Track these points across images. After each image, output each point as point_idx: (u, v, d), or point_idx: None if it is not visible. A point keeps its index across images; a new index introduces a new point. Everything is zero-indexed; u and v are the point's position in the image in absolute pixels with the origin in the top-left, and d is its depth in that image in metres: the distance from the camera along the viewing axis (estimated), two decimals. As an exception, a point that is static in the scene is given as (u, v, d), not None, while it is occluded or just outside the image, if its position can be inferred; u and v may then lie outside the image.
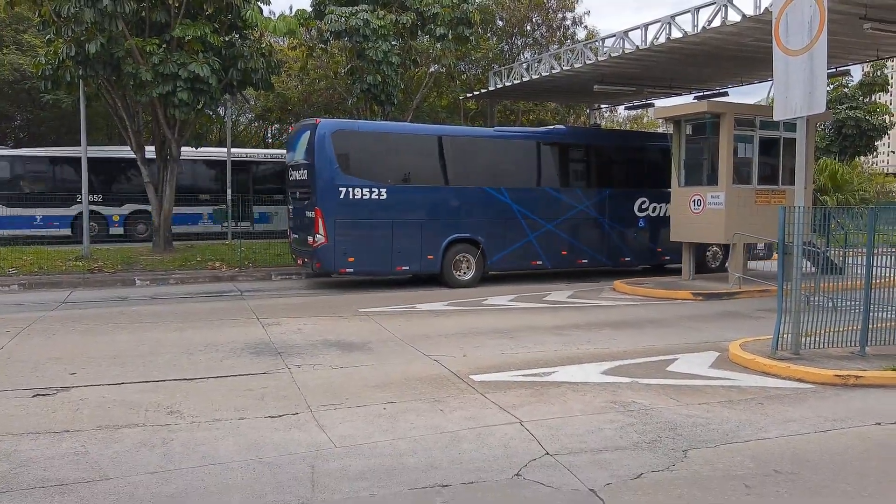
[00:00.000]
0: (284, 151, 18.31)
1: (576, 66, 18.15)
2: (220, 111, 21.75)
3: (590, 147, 17.93)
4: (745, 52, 15.50)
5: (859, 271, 9.03)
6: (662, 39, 15.51)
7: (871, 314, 8.82)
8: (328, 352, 9.12)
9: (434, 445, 5.68)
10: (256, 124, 33.10)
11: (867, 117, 35.78)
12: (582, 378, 7.83)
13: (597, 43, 18.59)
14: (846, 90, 36.99)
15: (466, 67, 28.22)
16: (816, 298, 9.71)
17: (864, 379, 7.69)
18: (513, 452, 5.53)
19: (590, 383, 7.62)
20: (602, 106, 28.84)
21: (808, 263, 12.91)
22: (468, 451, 5.57)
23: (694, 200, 15.64)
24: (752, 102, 15.78)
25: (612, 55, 16.98)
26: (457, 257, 15.57)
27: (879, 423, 6.34)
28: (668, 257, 17.90)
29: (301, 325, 10.95)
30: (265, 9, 20.04)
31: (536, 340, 9.90)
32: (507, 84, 21.42)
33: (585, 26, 28.85)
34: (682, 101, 21.07)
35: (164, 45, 16.46)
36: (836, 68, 18.33)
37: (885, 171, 68.15)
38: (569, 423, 6.26)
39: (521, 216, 16.11)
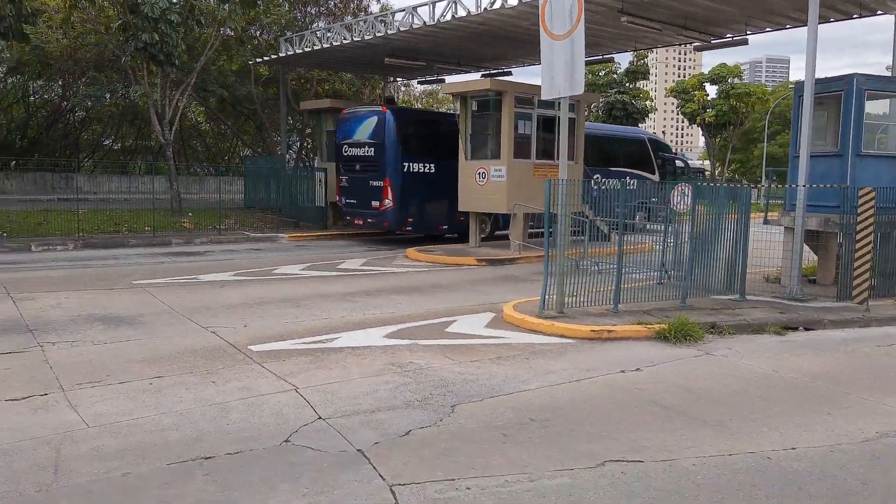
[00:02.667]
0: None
1: (366, 37, 18.09)
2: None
3: None
4: (525, 34, 16.41)
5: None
6: (449, 17, 15.93)
7: (623, 275, 9.86)
8: (90, 327, 8.33)
9: (202, 418, 5.43)
10: (13, 79, 29.06)
11: (632, 101, 39.81)
12: (364, 342, 7.91)
13: (388, 16, 18.65)
14: (615, 76, 40.79)
15: (257, 32, 26.99)
16: (585, 262, 10.70)
17: (615, 332, 8.60)
18: (285, 420, 5.45)
19: (371, 347, 7.73)
20: (397, 79, 29.16)
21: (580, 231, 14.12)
22: (238, 421, 5.39)
23: (479, 173, 16.40)
24: (535, 83, 16.69)
25: (402, 29, 17.14)
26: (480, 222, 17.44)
27: (623, 371, 7.13)
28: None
29: (61, 300, 9.90)
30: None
31: (323, 308, 9.83)
32: (299, 51, 20.81)
33: (379, 0, 28.88)
34: (470, 79, 21.92)
35: None
36: (601, 56, 20.10)
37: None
38: (346, 387, 6.30)
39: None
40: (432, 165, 18.03)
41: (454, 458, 4.83)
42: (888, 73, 13.38)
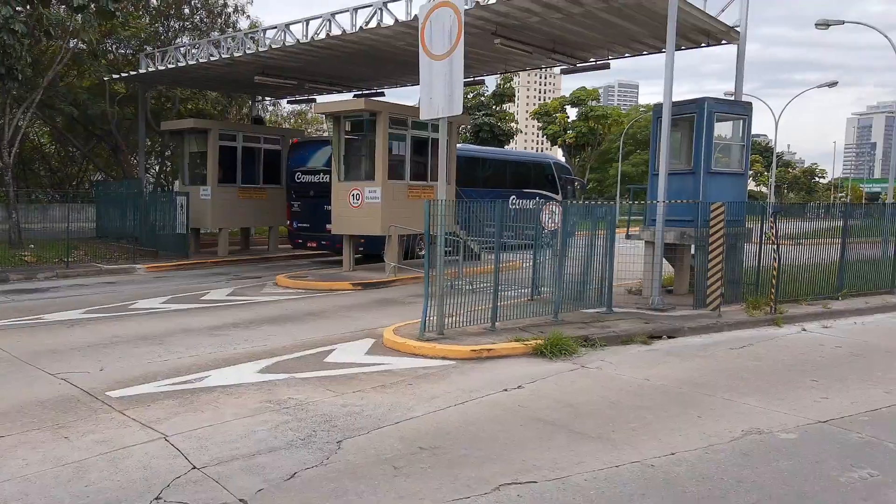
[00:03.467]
0: None
1: (236, 55, 17.41)
2: None
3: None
4: (400, 55, 16.44)
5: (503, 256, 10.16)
6: (323, 35, 15.66)
7: (500, 294, 10.00)
8: (-86, 382, 7.30)
9: (54, 483, 4.82)
10: None
11: (499, 123, 41.09)
12: (237, 380, 7.46)
13: (259, 33, 18.09)
14: (482, 99, 41.96)
15: (113, 46, 25.28)
16: (458, 282, 10.75)
17: (495, 351, 8.67)
18: (154, 473, 4.97)
19: (245, 384, 7.30)
20: (266, 98, 28.35)
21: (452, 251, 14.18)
22: (98, 481, 4.85)
23: (353, 195, 16.17)
24: (409, 104, 16.73)
25: (273, 47, 16.66)
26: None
27: (506, 390, 7.17)
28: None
29: None
30: None
31: (189, 344, 9.21)
32: (162, 68, 19.70)
33: (248, 16, 27.99)
34: (342, 98, 21.67)
35: None
36: (473, 78, 20.56)
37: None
38: (220, 430, 5.87)
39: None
40: None
41: (345, 498, 4.60)
42: (731, 98, 14.56)
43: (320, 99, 23.29)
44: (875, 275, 13.57)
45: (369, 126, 15.96)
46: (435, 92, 9.13)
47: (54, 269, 16.92)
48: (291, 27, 16.68)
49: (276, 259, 21.07)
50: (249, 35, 18.03)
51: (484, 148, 30.02)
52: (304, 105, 31.29)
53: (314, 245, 19.60)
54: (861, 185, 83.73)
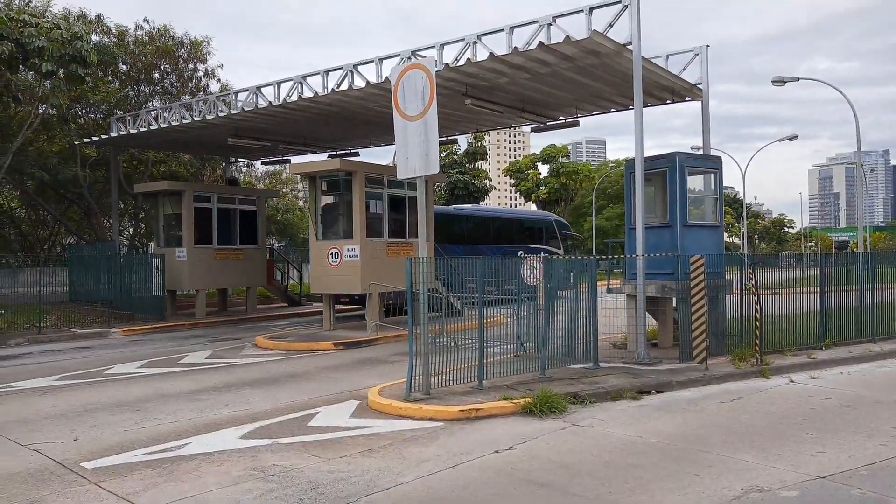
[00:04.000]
0: None
1: (208, 117, 17.48)
2: None
3: None
4: (372, 115, 16.64)
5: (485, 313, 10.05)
6: (295, 98, 15.81)
7: (485, 350, 9.86)
8: None
9: (25, 562, 4.54)
10: None
11: (472, 181, 41.57)
12: (219, 446, 7.18)
13: (231, 96, 18.22)
14: (456, 157, 42.55)
15: (83, 111, 25.27)
16: (442, 339, 10.59)
17: (484, 410, 8.48)
18: (132, 550, 4.69)
19: (227, 451, 7.02)
20: (239, 160, 28.40)
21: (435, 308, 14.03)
22: (72, 559, 4.57)
23: (332, 253, 16.08)
24: (384, 163, 16.87)
25: (246, 109, 16.76)
26: None
27: (497, 451, 6.98)
28: None
29: None
30: None
31: (167, 410, 8.89)
32: (133, 131, 19.68)
33: (219, 80, 28.18)
34: (317, 159, 21.78)
35: None
36: (446, 137, 20.83)
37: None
38: (202, 501, 5.60)
39: None
40: None
41: (335, 572, 4.36)
42: (699, 152, 14.91)
43: (295, 159, 23.38)
44: (855, 323, 13.69)
45: (345, 185, 16.00)
46: (411, 151, 9.18)
47: (26, 335, 16.46)
48: (263, 90, 16.86)
49: (255, 320, 20.73)
50: (221, 98, 18.16)
51: (493, 208, 33.25)
52: (278, 165, 31.36)
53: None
54: (829, 234, 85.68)
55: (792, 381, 10.48)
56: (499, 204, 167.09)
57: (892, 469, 6.25)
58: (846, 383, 10.34)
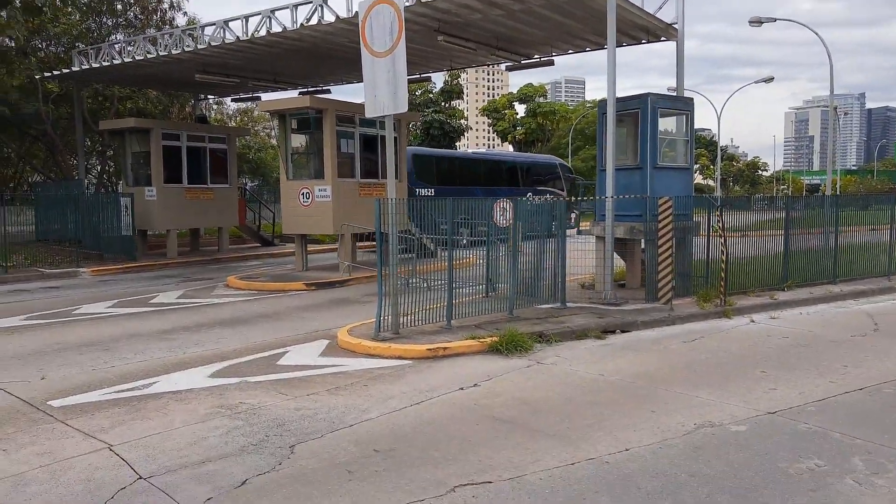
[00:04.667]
0: None
1: (174, 52, 16.93)
2: None
3: None
4: (343, 52, 16.24)
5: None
6: (263, 33, 15.35)
7: (454, 291, 9.96)
8: None
9: (-10, 497, 4.60)
10: None
11: (448, 120, 41.09)
12: (187, 385, 7.25)
13: (197, 30, 17.61)
14: (431, 96, 41.91)
15: (44, 44, 24.32)
16: (413, 280, 10.67)
17: (451, 349, 8.63)
18: (98, 485, 4.77)
19: (195, 389, 7.09)
20: (209, 97, 27.70)
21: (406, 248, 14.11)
22: (38, 494, 4.64)
23: (303, 193, 15.93)
24: (357, 101, 16.55)
25: (213, 44, 16.25)
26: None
27: (462, 388, 7.13)
28: None
29: None
30: None
31: (137, 349, 8.92)
32: (96, 66, 19.02)
33: (185, 12, 27.17)
34: (287, 96, 21.34)
35: None
36: (419, 74, 20.47)
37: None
38: (168, 438, 5.68)
39: None
40: (432, 190, 22.65)
41: (297, 505, 4.49)
42: (674, 94, 14.84)
43: (265, 96, 22.88)
44: (817, 265, 14.01)
45: (316, 124, 15.74)
46: (379, 89, 9.02)
47: (-9, 275, 16.24)
48: (231, 24, 16.31)
49: (227, 260, 20.65)
50: (188, 32, 17.56)
51: (505, 153, 36.26)
52: (249, 103, 30.69)
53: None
54: (801, 178, 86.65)
55: (752, 322, 10.77)
56: (476, 145, 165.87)
57: (839, 405, 6.52)
58: (804, 323, 10.65)
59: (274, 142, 39.88)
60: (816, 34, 27.34)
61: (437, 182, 23.88)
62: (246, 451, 5.41)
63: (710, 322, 10.69)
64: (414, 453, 5.37)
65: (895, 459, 5.16)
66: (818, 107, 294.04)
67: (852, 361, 8.17)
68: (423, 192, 22.44)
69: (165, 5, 26.16)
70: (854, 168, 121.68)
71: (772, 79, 43.85)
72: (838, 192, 36.32)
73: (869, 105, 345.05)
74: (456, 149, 49.24)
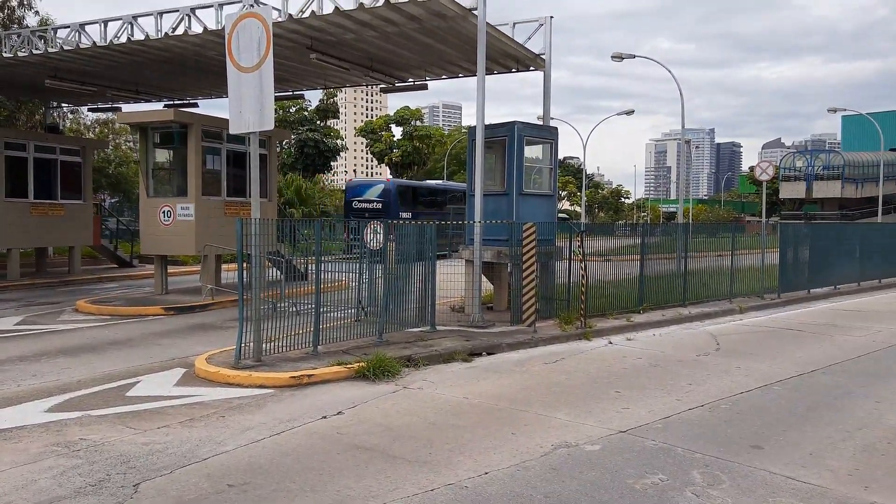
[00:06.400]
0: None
1: (20, 54, 15.64)
2: None
3: None
4: (211, 64, 15.65)
5: (324, 276, 9.91)
6: (124, 39, 14.52)
7: (322, 315, 9.76)
8: None
9: None
10: None
11: (324, 139, 40.64)
12: (19, 421, 6.60)
13: (49, 32, 16.39)
14: (306, 114, 41.32)
15: None
16: (282, 304, 10.35)
17: (316, 376, 8.42)
18: None
19: (28, 426, 6.47)
20: (63, 105, 25.83)
21: (276, 271, 13.75)
22: None
23: (164, 211, 15.13)
24: (225, 116, 15.98)
25: (66, 49, 15.17)
26: None
27: (325, 416, 6.96)
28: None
29: None
30: None
31: (-39, 383, 8.03)
32: (-75, 67, 17.21)
33: (37, 11, 25.26)
34: (151, 108, 20.28)
35: None
36: (292, 92, 20.13)
37: (343, 187, 78.76)
38: (-9, 483, 5.12)
39: None
40: (412, 215, 27.53)
41: (136, 551, 4.16)
42: (540, 122, 15.48)
43: (127, 108, 21.62)
44: (670, 289, 14.98)
45: (180, 138, 15.05)
46: (245, 105, 8.76)
47: None
48: (87, 28, 15.35)
49: (79, 282, 19.19)
50: (38, 33, 16.34)
51: (447, 182, 39.30)
52: (110, 114, 28.91)
53: None
54: (660, 205, 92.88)
55: (610, 343, 11.32)
56: (354, 166, 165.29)
57: (682, 421, 6.95)
58: (656, 344, 11.33)
59: (137, 155, 37.78)
60: (670, 72, 29.54)
61: (413, 207, 29.19)
62: (83, 492, 4.98)
63: (571, 344, 11.12)
64: (270, 486, 5.16)
65: (728, 471, 5.55)
66: (675, 139, 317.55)
67: (696, 380, 8.76)
68: (404, 216, 26.92)
69: (14, 2, 24.23)
70: (705, 198, 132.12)
71: (632, 111, 46.83)
72: (690, 221, 39.19)
73: (718, 140, 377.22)
74: (331, 168, 48.81)
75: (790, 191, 63.65)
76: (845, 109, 50.03)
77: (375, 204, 29.81)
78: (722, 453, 5.97)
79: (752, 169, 77.40)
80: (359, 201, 30.61)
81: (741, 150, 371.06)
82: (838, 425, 6.88)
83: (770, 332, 12.77)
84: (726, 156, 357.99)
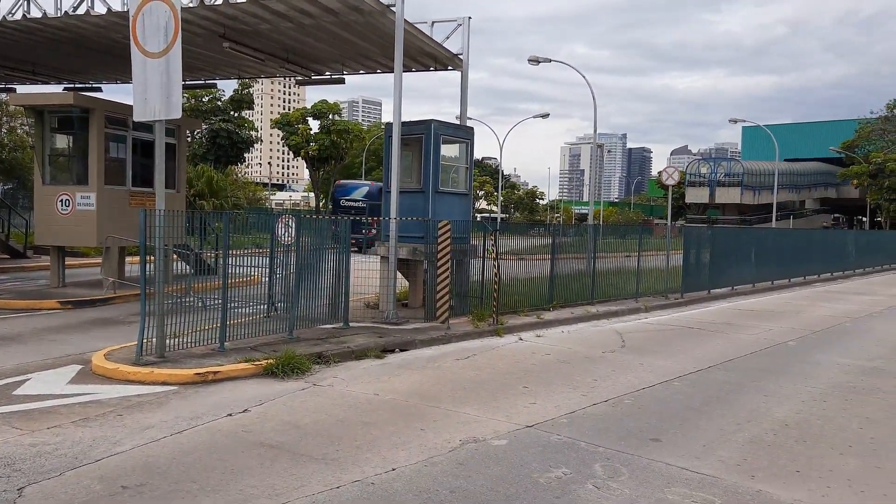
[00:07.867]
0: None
1: None
2: None
3: None
4: (116, 48, 14.91)
5: (234, 271, 9.61)
6: (19, 16, 13.62)
7: (231, 310, 9.48)
8: None
9: None
10: None
11: (238, 130, 39.52)
12: None
13: (-67, 5, 15.17)
14: (219, 104, 40.07)
15: None
16: (188, 299, 9.97)
17: (222, 373, 8.18)
18: None
19: None
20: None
21: (185, 265, 13.22)
22: None
23: (62, 200, 14.32)
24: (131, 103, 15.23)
25: (-48, 23, 14.11)
26: None
27: (230, 414, 6.77)
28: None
29: None
30: None
31: None
32: None
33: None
34: (49, 90, 19.16)
35: None
36: (204, 80, 19.47)
37: (256, 180, 76.97)
38: None
39: None
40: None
41: (17, 559, 3.92)
42: (458, 122, 15.59)
43: (22, 89, 20.32)
44: (579, 287, 15.41)
45: (81, 124, 14.27)
46: (150, 92, 8.41)
47: None
48: (-23, 3, 14.31)
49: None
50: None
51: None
52: (3, 95, 27.10)
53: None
54: (573, 207, 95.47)
55: (521, 339, 11.53)
56: (269, 159, 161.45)
57: (587, 416, 7.16)
58: (565, 341, 11.63)
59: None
60: (584, 77, 30.40)
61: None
62: (-41, 498, 4.65)
63: (484, 340, 11.27)
64: (167, 486, 4.97)
65: (628, 464, 5.76)
66: (588, 143, 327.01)
67: (601, 375, 9.05)
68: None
69: None
70: (616, 200, 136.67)
71: (548, 115, 47.90)
72: (601, 222, 40.48)
73: (630, 145, 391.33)
74: (244, 160, 47.53)
75: (695, 196, 66.96)
76: (745, 120, 52.77)
77: (360, 203, 32.45)
78: (623, 447, 6.19)
79: (659, 174, 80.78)
80: (346, 200, 33.31)
81: (651, 155, 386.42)
82: (730, 418, 7.26)
83: (672, 330, 13.35)
84: (637, 160, 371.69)
